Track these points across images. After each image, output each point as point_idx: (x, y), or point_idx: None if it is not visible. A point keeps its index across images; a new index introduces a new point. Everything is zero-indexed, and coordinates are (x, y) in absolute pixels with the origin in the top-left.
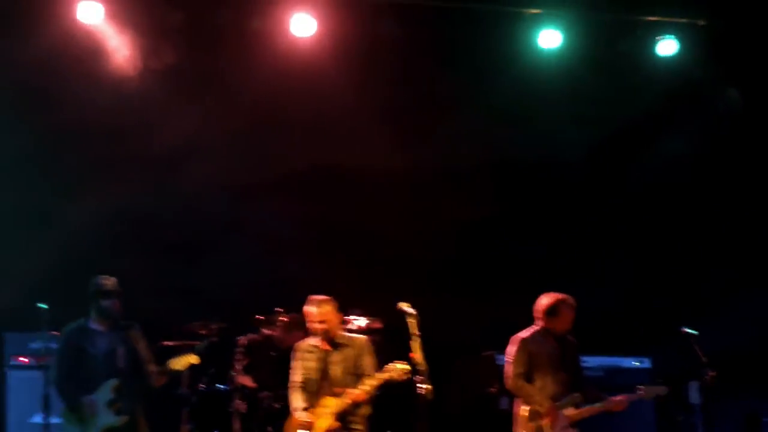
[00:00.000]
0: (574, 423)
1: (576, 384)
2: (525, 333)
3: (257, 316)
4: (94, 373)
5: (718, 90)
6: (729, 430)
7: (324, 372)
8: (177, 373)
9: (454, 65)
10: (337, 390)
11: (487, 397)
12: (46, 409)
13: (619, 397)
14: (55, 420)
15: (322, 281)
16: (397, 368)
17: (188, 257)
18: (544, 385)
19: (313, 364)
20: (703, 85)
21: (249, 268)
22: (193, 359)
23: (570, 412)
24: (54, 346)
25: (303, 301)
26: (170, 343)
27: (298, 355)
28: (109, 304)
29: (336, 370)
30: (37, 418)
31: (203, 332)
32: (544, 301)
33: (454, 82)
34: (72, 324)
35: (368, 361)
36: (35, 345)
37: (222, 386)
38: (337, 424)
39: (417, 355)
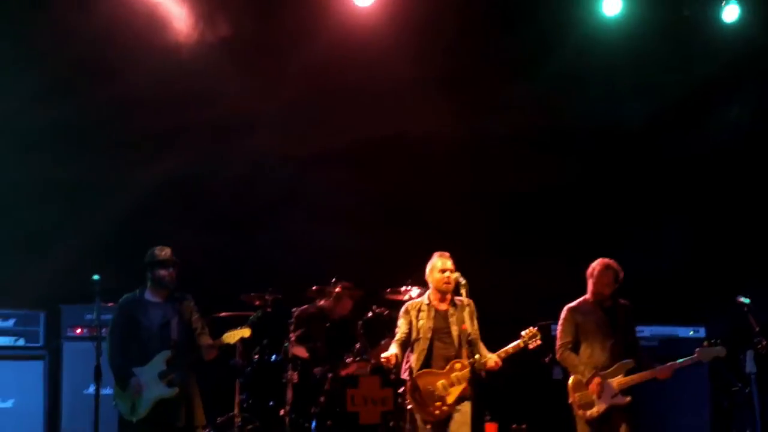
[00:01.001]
0: (626, 390)
1: (629, 350)
2: (574, 302)
3: (311, 287)
4: (148, 344)
5: None
6: None
7: (442, 332)
8: (228, 347)
9: (515, 32)
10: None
11: (540, 367)
12: (98, 379)
13: (666, 365)
14: (107, 391)
15: (378, 252)
16: (529, 334)
17: (244, 228)
18: (591, 353)
19: (427, 324)
20: (766, 52)
21: (305, 240)
22: (245, 333)
23: (619, 379)
24: (108, 317)
25: (358, 272)
26: (225, 314)
27: (408, 315)
28: (165, 274)
29: (455, 331)
30: (91, 389)
31: (257, 303)
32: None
33: (515, 49)
34: (127, 295)
35: (476, 326)
36: (90, 316)
37: (275, 357)
38: (469, 391)
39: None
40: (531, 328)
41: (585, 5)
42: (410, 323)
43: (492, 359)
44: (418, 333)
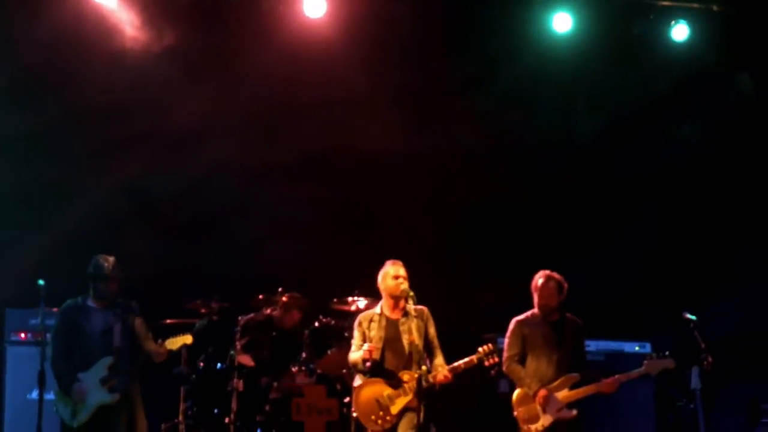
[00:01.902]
0: (572, 404)
1: (575, 365)
2: (522, 315)
3: (258, 296)
4: (90, 350)
5: (730, 76)
6: (730, 416)
7: (392, 342)
8: (172, 353)
9: (467, 48)
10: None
11: (487, 380)
12: (42, 385)
13: (611, 379)
14: (50, 396)
15: (326, 263)
16: (486, 350)
17: (192, 237)
18: (538, 367)
19: (378, 334)
20: (716, 70)
21: (253, 249)
22: (187, 339)
23: (564, 393)
24: (51, 322)
25: (305, 283)
26: (170, 322)
27: (361, 326)
28: (104, 287)
29: (405, 341)
30: (34, 394)
31: (203, 311)
32: (533, 280)
33: (467, 64)
34: (70, 301)
35: (434, 332)
36: (34, 321)
37: (221, 365)
38: (415, 403)
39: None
40: (489, 344)
41: (536, 22)
42: (363, 334)
43: (441, 373)
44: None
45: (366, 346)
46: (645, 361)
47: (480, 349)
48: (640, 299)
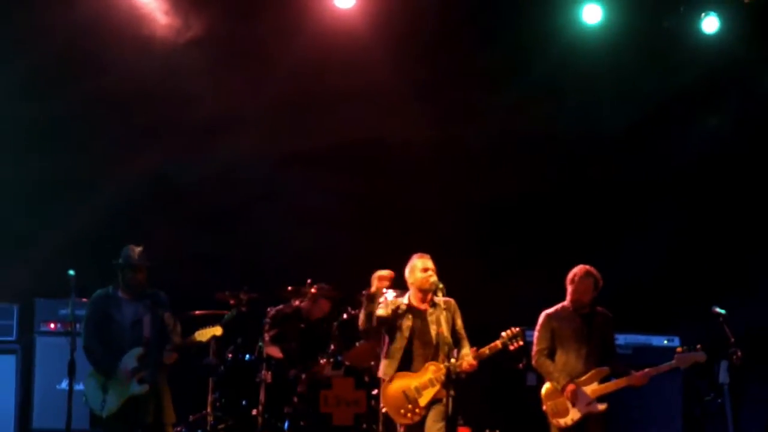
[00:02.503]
0: (602, 398)
1: (604, 358)
2: (551, 309)
3: (287, 287)
4: (120, 341)
5: (760, 68)
6: (758, 411)
7: (420, 333)
8: (201, 345)
9: (496, 38)
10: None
11: (514, 373)
12: (72, 375)
13: (641, 372)
14: (80, 387)
15: (354, 254)
16: (510, 334)
17: (221, 227)
18: (567, 361)
19: (406, 324)
20: (746, 63)
21: (282, 240)
22: (216, 331)
23: (593, 387)
24: (81, 312)
25: (334, 274)
26: (199, 313)
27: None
28: (132, 277)
29: (433, 331)
30: (63, 385)
31: (232, 302)
32: (570, 272)
33: (496, 55)
34: (100, 291)
35: (461, 324)
36: (64, 311)
37: (249, 356)
38: (444, 394)
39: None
40: (512, 328)
41: (566, 13)
42: (388, 306)
43: (467, 361)
44: (396, 331)
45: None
46: (676, 354)
47: (503, 334)
48: (668, 292)
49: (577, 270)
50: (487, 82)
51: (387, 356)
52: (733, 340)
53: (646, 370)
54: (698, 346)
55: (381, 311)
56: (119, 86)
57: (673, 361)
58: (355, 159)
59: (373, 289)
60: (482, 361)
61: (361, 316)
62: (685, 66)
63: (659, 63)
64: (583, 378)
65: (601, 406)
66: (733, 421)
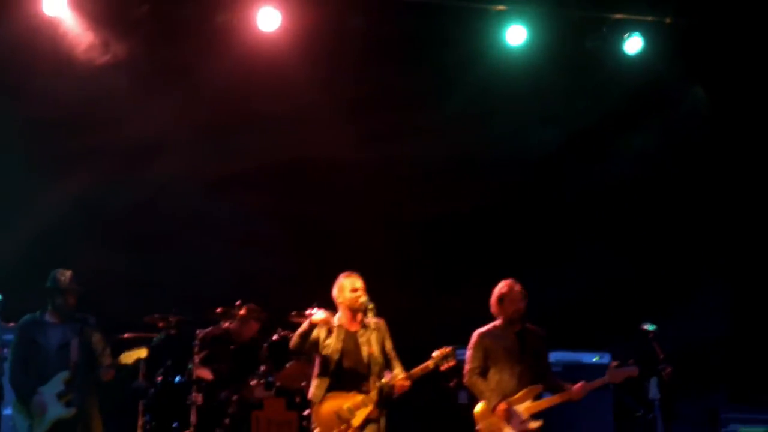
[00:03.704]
0: (536, 415)
1: (538, 376)
2: (484, 328)
3: (217, 309)
4: (47, 365)
5: (683, 88)
6: (689, 426)
7: (351, 354)
8: (127, 367)
9: (420, 61)
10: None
11: (446, 392)
12: (0, 400)
13: (577, 385)
14: (7, 411)
15: (284, 275)
16: (441, 354)
17: (149, 250)
18: (500, 379)
19: (336, 346)
20: (669, 83)
21: (210, 262)
22: (141, 353)
23: (527, 404)
24: (9, 337)
25: (264, 295)
26: (128, 336)
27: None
28: (62, 301)
29: (364, 352)
30: None
31: (161, 325)
32: (495, 291)
33: (420, 77)
34: (27, 316)
35: (391, 345)
36: None
37: (179, 378)
38: (376, 413)
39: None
40: (444, 348)
41: (490, 35)
42: (318, 338)
43: (398, 381)
44: (324, 351)
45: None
46: (608, 369)
47: (434, 354)
48: (598, 310)
49: (504, 284)
50: (414, 103)
51: (317, 377)
52: (662, 356)
53: (582, 383)
54: (630, 361)
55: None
56: (43, 110)
57: (606, 376)
58: (283, 180)
59: (306, 327)
60: (414, 380)
61: (295, 338)
62: (609, 87)
63: (583, 84)
64: (517, 396)
65: (535, 424)
66: None
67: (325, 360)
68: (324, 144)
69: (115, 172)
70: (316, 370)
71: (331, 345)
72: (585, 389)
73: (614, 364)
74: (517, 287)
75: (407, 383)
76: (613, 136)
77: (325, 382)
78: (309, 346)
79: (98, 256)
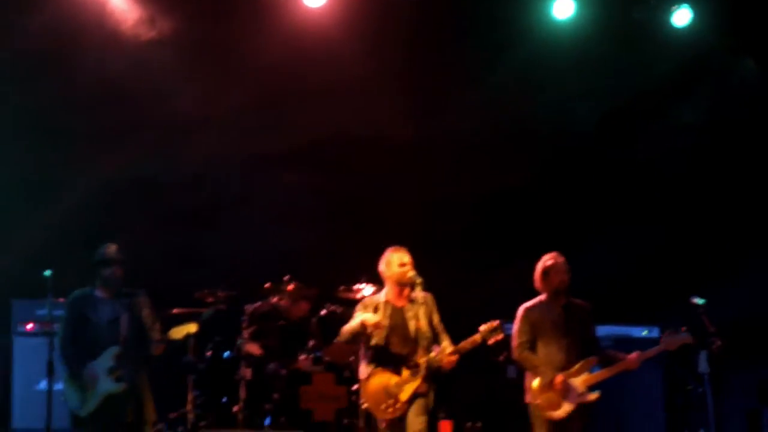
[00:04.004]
0: (593, 387)
1: (587, 348)
2: (530, 302)
3: (265, 285)
4: (97, 340)
5: (733, 61)
6: (739, 399)
7: (398, 329)
8: (176, 342)
9: (468, 34)
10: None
11: (495, 366)
12: (51, 375)
13: (632, 355)
14: (59, 386)
15: (331, 251)
16: (488, 328)
17: (199, 226)
18: (548, 353)
19: (384, 321)
20: (718, 56)
21: (259, 237)
22: (191, 328)
23: (584, 377)
24: (59, 313)
25: (312, 270)
26: (178, 311)
27: (365, 309)
28: (110, 273)
29: (412, 327)
30: (42, 385)
31: (210, 300)
32: (538, 264)
33: (469, 52)
34: (77, 292)
35: (439, 318)
36: (41, 312)
37: (228, 354)
38: (425, 388)
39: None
40: (491, 321)
41: (537, 9)
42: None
43: (446, 355)
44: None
45: (372, 320)
46: (662, 337)
47: (482, 328)
48: (648, 284)
49: (547, 258)
50: (461, 78)
51: (366, 356)
52: (712, 330)
53: (637, 353)
54: (683, 329)
55: (351, 323)
56: (92, 85)
57: (661, 344)
58: (330, 156)
59: (357, 327)
60: (462, 354)
61: (345, 334)
62: (657, 59)
63: (631, 56)
64: (573, 369)
65: (593, 395)
66: (714, 410)
67: (373, 337)
68: (370, 119)
69: (163, 148)
70: (363, 348)
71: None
72: (640, 358)
73: (668, 332)
74: (561, 259)
75: (455, 357)
76: (661, 109)
77: (374, 357)
78: (358, 339)
79: (146, 231)
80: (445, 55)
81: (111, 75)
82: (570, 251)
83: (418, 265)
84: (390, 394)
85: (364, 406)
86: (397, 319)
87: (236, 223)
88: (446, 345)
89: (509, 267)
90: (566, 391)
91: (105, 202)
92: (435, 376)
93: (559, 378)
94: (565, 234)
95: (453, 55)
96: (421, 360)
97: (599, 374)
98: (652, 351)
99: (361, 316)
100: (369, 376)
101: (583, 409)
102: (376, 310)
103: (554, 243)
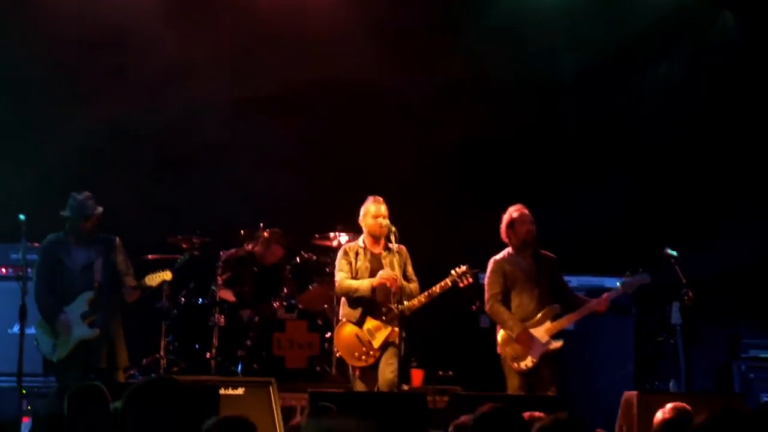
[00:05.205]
0: (557, 335)
1: (557, 296)
2: (499, 255)
3: (240, 231)
4: (71, 285)
5: (713, 14)
6: (710, 351)
7: (375, 273)
8: (151, 289)
9: None
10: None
11: (467, 315)
12: (23, 319)
13: (601, 297)
14: (31, 330)
15: (307, 197)
16: (458, 272)
17: (173, 172)
18: (521, 302)
19: (364, 265)
20: (699, 8)
21: (234, 184)
22: (166, 276)
23: (546, 325)
24: (32, 257)
25: (287, 217)
26: (152, 257)
27: (348, 256)
28: (81, 226)
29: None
30: (15, 329)
31: (185, 246)
32: (503, 217)
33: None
34: (51, 236)
35: (411, 269)
36: (15, 255)
37: (202, 300)
38: (396, 335)
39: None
40: (461, 265)
41: None
42: (351, 264)
43: (415, 300)
44: (356, 274)
45: (387, 275)
46: (622, 280)
47: (453, 271)
48: (621, 235)
49: (513, 209)
50: (441, 27)
51: (349, 301)
52: (684, 281)
53: (604, 294)
54: (640, 269)
55: (357, 283)
56: (72, 34)
57: (620, 287)
58: (309, 103)
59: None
60: (435, 304)
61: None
62: (638, 12)
63: (611, 8)
64: (534, 319)
65: (556, 344)
66: (685, 361)
67: (356, 279)
68: (351, 67)
69: (141, 96)
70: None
71: (361, 265)
72: (606, 300)
73: (627, 275)
74: (526, 211)
75: (422, 299)
76: (640, 62)
77: (359, 305)
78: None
79: (123, 178)
80: (425, 3)
81: (90, 22)
82: (545, 202)
83: (396, 213)
84: (363, 342)
85: (338, 354)
86: (375, 265)
87: (213, 171)
88: (415, 287)
89: (486, 217)
90: (530, 344)
91: (82, 149)
92: (406, 324)
93: (523, 333)
94: (541, 186)
95: (433, 3)
96: (394, 307)
97: (563, 321)
98: (614, 292)
99: (366, 282)
100: (341, 325)
101: (550, 358)
102: (357, 255)
103: (529, 193)
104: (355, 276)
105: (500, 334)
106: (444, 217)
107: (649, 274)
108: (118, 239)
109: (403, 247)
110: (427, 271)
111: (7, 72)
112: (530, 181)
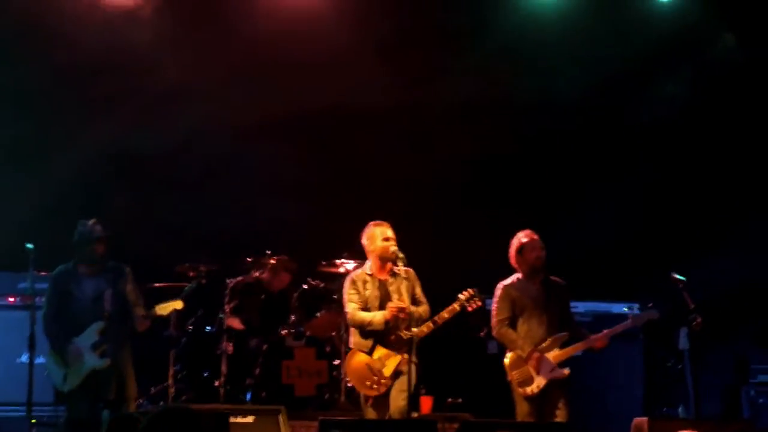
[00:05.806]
0: (563, 363)
1: (564, 325)
2: (507, 280)
3: (246, 259)
4: (81, 316)
5: (714, 35)
6: (718, 376)
7: (384, 303)
8: (161, 318)
9: (453, 4)
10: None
11: (476, 342)
12: (32, 348)
13: (599, 334)
14: (40, 360)
15: (314, 224)
16: (467, 295)
17: (180, 198)
18: (529, 329)
19: (374, 294)
20: (700, 30)
21: (241, 210)
22: (177, 305)
23: (554, 353)
24: (41, 286)
25: (293, 244)
26: (159, 285)
27: (356, 286)
28: (91, 251)
29: (395, 300)
30: (24, 358)
31: (192, 274)
32: (512, 243)
33: (454, 20)
34: (61, 267)
35: (420, 291)
36: (23, 285)
37: (210, 328)
38: (407, 363)
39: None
40: (469, 289)
41: None
42: (359, 293)
43: (424, 327)
44: (365, 303)
45: (393, 304)
46: (630, 315)
47: (461, 295)
48: (628, 260)
49: (522, 235)
50: (446, 45)
51: (361, 331)
52: (692, 306)
53: (604, 331)
54: (650, 305)
55: (370, 315)
56: (75, 57)
57: (629, 321)
58: (315, 126)
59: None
60: (444, 331)
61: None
62: (640, 32)
63: (614, 28)
64: (544, 344)
65: (564, 371)
66: (694, 387)
67: (366, 309)
68: (355, 89)
69: (146, 119)
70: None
71: (370, 294)
72: (606, 336)
73: (630, 316)
74: (535, 236)
75: (431, 326)
76: (642, 82)
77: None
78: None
79: (128, 204)
80: (431, 22)
81: (93, 45)
82: (551, 224)
83: (401, 238)
84: (374, 371)
85: (349, 383)
86: (383, 292)
87: (219, 197)
88: (424, 309)
89: (492, 239)
90: (539, 366)
91: (88, 175)
92: (417, 351)
93: (536, 354)
94: (547, 207)
95: (439, 22)
96: (403, 334)
97: (569, 350)
98: (619, 327)
99: (378, 315)
100: (351, 353)
101: (557, 385)
102: (365, 283)
103: (535, 216)
104: (365, 305)
105: (508, 357)
106: (449, 241)
107: (658, 310)
108: (128, 269)
109: (410, 270)
110: (434, 297)
111: (8, 102)
112: (534, 202)
